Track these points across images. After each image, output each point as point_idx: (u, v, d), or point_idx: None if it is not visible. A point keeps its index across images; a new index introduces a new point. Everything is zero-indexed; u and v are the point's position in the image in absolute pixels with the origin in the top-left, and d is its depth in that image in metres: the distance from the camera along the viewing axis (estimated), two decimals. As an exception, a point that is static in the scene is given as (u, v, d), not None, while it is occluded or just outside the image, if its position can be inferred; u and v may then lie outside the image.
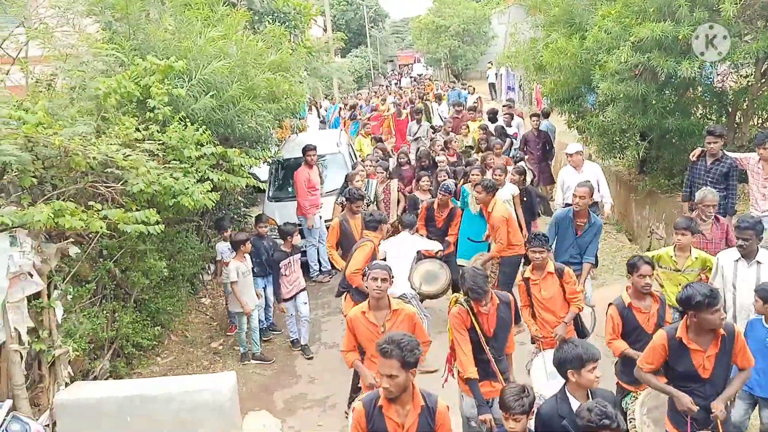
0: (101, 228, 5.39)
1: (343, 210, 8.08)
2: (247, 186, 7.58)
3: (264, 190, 10.20)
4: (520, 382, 3.92)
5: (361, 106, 19.50)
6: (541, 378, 5.00)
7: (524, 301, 5.48)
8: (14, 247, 5.27)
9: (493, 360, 4.44)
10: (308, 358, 7.24)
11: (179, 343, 7.43)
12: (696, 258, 5.55)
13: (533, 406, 3.65)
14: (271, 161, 9.80)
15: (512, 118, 13.38)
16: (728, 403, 4.07)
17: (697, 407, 3.88)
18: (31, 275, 5.41)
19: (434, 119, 16.32)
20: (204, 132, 6.52)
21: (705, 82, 9.45)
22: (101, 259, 6.32)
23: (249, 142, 8.59)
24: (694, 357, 3.91)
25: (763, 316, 4.71)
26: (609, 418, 3.09)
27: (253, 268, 7.34)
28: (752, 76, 8.93)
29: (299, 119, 11.61)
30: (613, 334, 4.78)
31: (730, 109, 9.31)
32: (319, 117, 19.81)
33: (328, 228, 8.01)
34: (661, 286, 5.78)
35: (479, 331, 4.38)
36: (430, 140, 12.17)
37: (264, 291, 7.71)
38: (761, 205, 6.62)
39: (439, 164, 9.75)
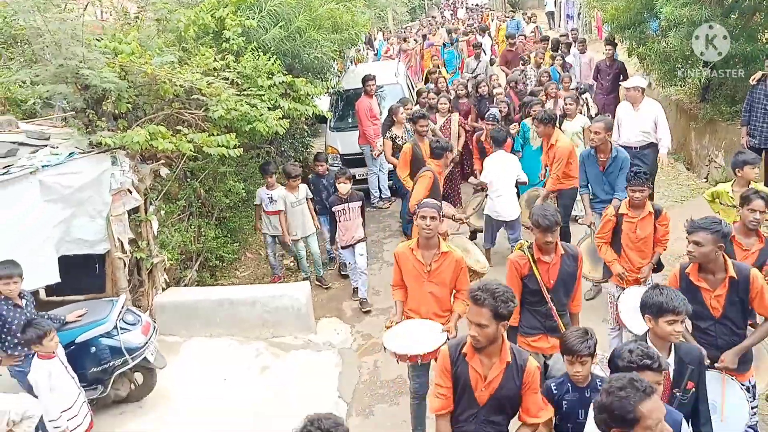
0: (189, 150, 6.04)
1: (394, 146, 8.50)
2: (310, 116, 8.07)
3: (326, 120, 10.66)
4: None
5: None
6: (633, 314, 4.52)
7: (606, 238, 5.33)
8: (115, 167, 5.95)
9: (555, 311, 4.26)
10: (365, 312, 6.95)
11: (254, 260, 8.15)
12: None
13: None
14: (332, 92, 10.21)
15: (571, 48, 13.18)
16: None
17: (708, 361, 3.73)
18: (131, 192, 6.12)
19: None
20: (275, 62, 7.00)
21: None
22: (188, 180, 6.99)
23: (313, 72, 9.01)
24: (704, 294, 3.89)
25: None
26: (650, 358, 2.94)
27: (315, 207, 7.54)
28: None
29: (358, 51, 11.90)
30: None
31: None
32: (373, 50, 19.95)
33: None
34: None
35: (539, 280, 4.22)
36: (489, 77, 11.86)
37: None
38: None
39: (496, 96, 9.74)
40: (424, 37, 19.82)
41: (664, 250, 5.34)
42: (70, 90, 5.75)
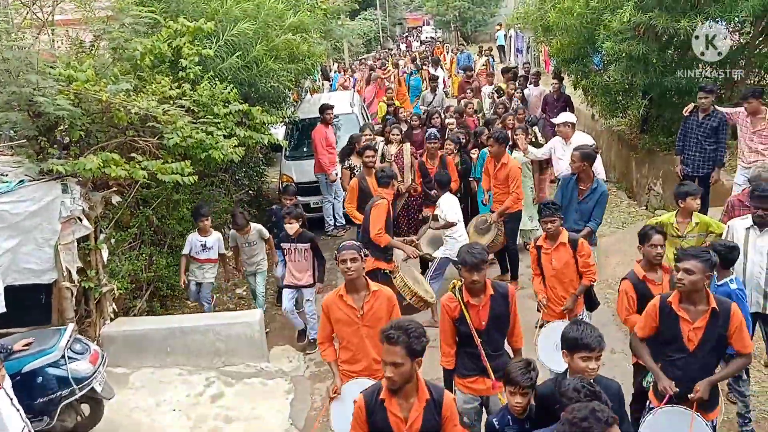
0: (143, 177, 6.06)
1: (351, 175, 8.42)
2: (265, 145, 8.15)
3: (281, 149, 10.77)
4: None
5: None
6: (549, 349, 4.78)
7: (534, 270, 5.42)
8: (65, 194, 5.91)
9: (483, 354, 4.16)
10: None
11: (206, 289, 8.10)
12: (697, 223, 5.59)
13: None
14: (287, 121, 10.35)
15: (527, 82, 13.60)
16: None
17: (676, 389, 3.81)
18: (81, 220, 6.07)
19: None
20: (231, 90, 7.10)
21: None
22: (140, 208, 6.96)
23: (269, 101, 9.13)
24: (682, 325, 3.84)
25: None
26: (596, 397, 2.91)
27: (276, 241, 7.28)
28: (750, 35, 9.39)
29: (313, 81, 12.09)
30: (629, 310, 4.55)
31: (728, 68, 9.75)
32: (328, 81, 20.23)
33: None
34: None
35: (470, 323, 4.13)
36: (445, 109, 11.91)
37: None
38: (747, 157, 7.12)
39: (448, 126, 9.94)
40: (375, 69, 20.36)
41: (591, 282, 5.27)
42: (22, 117, 5.72)
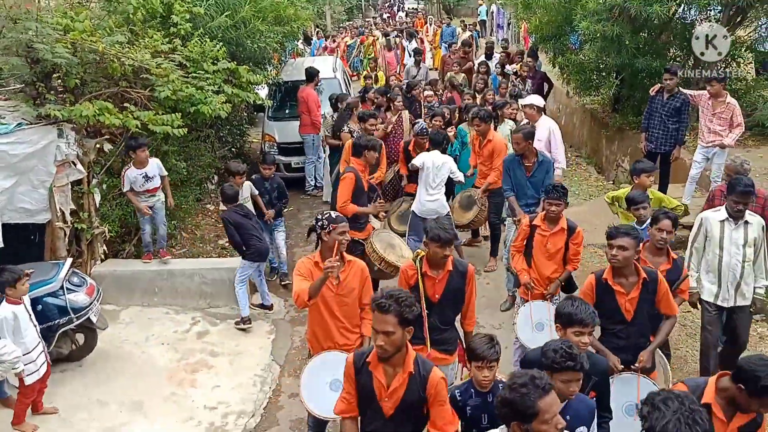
0: (135, 126, 6.42)
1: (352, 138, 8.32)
2: (248, 105, 8.47)
3: (263, 110, 11.11)
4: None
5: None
6: (526, 328, 4.99)
7: (519, 247, 5.47)
8: (61, 139, 6.25)
9: (426, 325, 4.29)
10: (284, 285, 7.40)
11: (190, 239, 8.50)
12: (652, 199, 5.83)
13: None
14: (270, 82, 10.68)
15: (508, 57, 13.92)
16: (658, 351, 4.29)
17: (621, 367, 4.08)
18: (75, 164, 6.43)
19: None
20: (220, 49, 7.45)
21: (680, 25, 10.37)
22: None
23: (254, 62, 9.46)
24: (618, 298, 4.16)
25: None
26: (573, 359, 3.07)
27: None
28: (720, 22, 9.96)
29: (297, 45, 12.39)
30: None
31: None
32: (309, 45, 20.42)
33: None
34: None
35: (422, 293, 4.25)
36: (428, 82, 11.64)
37: (273, 235, 7.45)
38: (707, 137, 7.70)
39: (426, 99, 9.96)
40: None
41: (575, 269, 5.40)
42: (20, 63, 6.02)
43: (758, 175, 8.34)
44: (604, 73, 11.08)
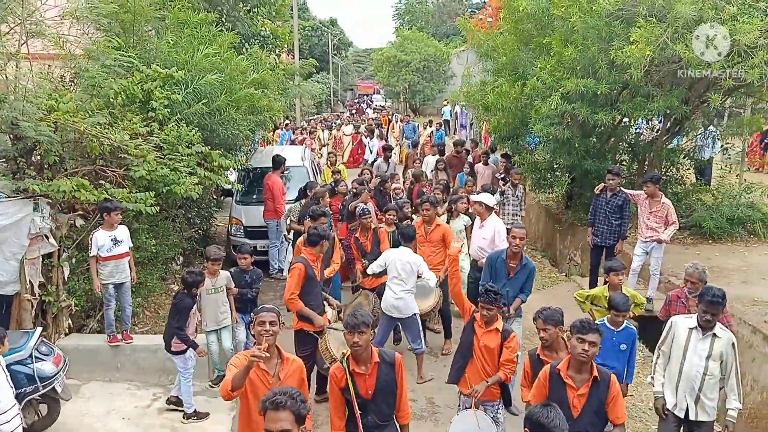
0: (99, 203, 6.78)
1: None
2: (217, 189, 8.89)
3: (231, 194, 11.61)
4: None
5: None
6: None
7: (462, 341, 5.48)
8: (36, 213, 6.58)
9: (362, 426, 4.24)
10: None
11: (152, 318, 8.68)
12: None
13: None
14: (240, 168, 11.24)
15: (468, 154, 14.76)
16: None
17: None
18: (48, 237, 6.72)
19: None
20: (195, 133, 8.00)
21: (625, 132, 11.42)
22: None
23: (226, 147, 10.03)
24: (568, 392, 4.20)
25: (606, 319, 5.59)
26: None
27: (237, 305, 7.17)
28: (659, 131, 11.05)
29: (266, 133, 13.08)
30: (526, 382, 4.93)
31: (640, 157, 11.36)
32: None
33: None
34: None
35: (352, 393, 4.20)
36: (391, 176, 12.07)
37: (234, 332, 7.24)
38: (645, 233, 8.44)
39: (394, 191, 10.63)
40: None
41: (506, 378, 5.23)
42: (3, 139, 6.43)
43: (697, 271, 9.09)
44: (557, 173, 11.98)
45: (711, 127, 11.65)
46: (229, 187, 10.83)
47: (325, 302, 6.69)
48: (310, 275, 6.26)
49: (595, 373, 4.21)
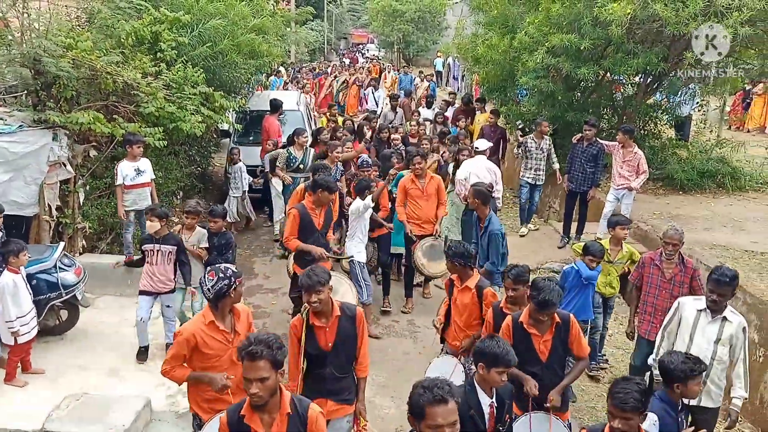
0: (121, 136, 7.48)
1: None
2: (216, 130, 9.47)
3: (228, 136, 12.26)
4: None
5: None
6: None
7: (445, 301, 5.60)
8: (55, 142, 7.26)
9: (321, 377, 4.31)
10: None
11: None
12: (626, 251, 6.57)
13: None
14: (238, 111, 11.85)
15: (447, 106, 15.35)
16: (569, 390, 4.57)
17: (538, 392, 4.30)
18: (65, 165, 7.42)
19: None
20: (200, 75, 8.63)
21: (608, 86, 12.07)
22: (113, 163, 8.31)
23: (226, 89, 10.63)
24: (534, 341, 4.41)
25: (581, 263, 6.05)
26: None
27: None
28: (639, 87, 11.73)
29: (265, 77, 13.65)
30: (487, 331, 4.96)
31: (620, 111, 12.06)
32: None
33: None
34: None
35: (303, 345, 4.25)
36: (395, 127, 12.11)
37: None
38: (618, 180, 9.23)
39: (393, 142, 10.61)
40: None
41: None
42: (26, 73, 7.06)
43: (664, 217, 9.92)
44: (539, 123, 12.64)
45: (691, 85, 12.32)
46: (227, 128, 11.50)
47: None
48: (305, 220, 6.38)
49: (557, 318, 4.41)
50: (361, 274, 7.10)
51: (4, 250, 5.58)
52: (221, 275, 4.03)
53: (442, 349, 5.66)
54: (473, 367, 5.09)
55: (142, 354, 6.41)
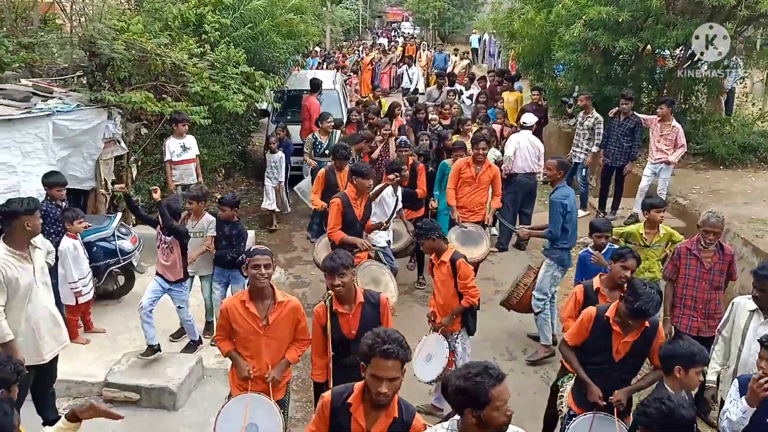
0: (170, 114, 8.05)
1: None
2: (256, 109, 9.92)
3: (267, 115, 12.81)
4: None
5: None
6: (419, 360, 5.38)
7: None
8: (110, 120, 7.87)
9: (344, 365, 4.30)
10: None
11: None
12: (663, 234, 6.28)
13: None
14: (276, 90, 12.37)
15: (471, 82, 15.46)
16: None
17: (603, 402, 4.19)
18: (119, 142, 8.03)
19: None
20: (241, 55, 9.14)
21: (650, 59, 12.17)
22: (162, 140, 8.93)
23: (265, 69, 11.14)
24: (615, 339, 4.19)
25: (589, 247, 6.15)
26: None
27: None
28: (678, 59, 11.83)
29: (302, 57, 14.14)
30: (571, 312, 4.89)
31: (660, 85, 12.18)
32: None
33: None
34: None
35: (329, 333, 4.28)
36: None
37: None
38: (655, 154, 9.42)
39: (430, 121, 10.74)
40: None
41: (469, 304, 5.42)
42: (82, 55, 7.67)
43: (702, 192, 10.12)
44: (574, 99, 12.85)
45: (734, 57, 12.34)
46: (266, 107, 12.03)
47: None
48: (346, 210, 6.45)
49: (646, 323, 4.17)
50: (383, 251, 7.16)
51: (65, 215, 6.20)
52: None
53: (430, 328, 5.68)
54: (456, 344, 5.53)
55: (149, 351, 6.03)
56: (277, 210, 10.34)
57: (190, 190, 6.86)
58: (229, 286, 6.60)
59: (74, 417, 3.03)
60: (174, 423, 5.68)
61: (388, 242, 7.46)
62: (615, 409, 4.21)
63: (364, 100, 15.11)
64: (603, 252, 5.98)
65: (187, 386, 5.92)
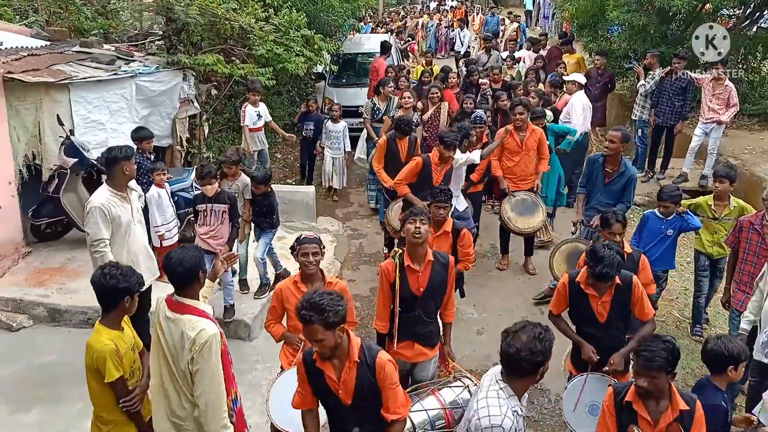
0: (240, 75, 8.79)
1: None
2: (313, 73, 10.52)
3: (323, 79, 13.47)
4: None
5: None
6: (574, 408, 4.46)
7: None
8: (185, 82, 8.66)
9: (412, 320, 4.55)
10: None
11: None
12: (734, 206, 6.15)
13: None
14: (332, 53, 13.01)
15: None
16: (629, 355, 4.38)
17: (597, 357, 4.42)
18: (193, 102, 8.84)
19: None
20: (302, 18, 9.80)
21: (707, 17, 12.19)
22: (231, 101, 9.73)
23: (324, 33, 11.79)
24: (592, 301, 4.42)
25: (656, 210, 6.09)
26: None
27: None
28: (738, 18, 11.90)
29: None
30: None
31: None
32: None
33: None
34: (697, 233, 6.45)
35: (397, 290, 4.46)
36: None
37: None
38: (707, 114, 9.64)
39: (481, 86, 10.91)
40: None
41: (465, 269, 5.69)
42: (161, 20, 8.45)
43: (755, 153, 10.35)
44: (631, 60, 13.06)
45: (795, 16, 12.31)
46: (322, 70, 12.65)
47: None
48: (425, 171, 6.69)
49: (617, 280, 4.37)
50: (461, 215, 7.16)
51: (153, 165, 7.00)
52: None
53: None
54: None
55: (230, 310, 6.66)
56: (336, 187, 10.47)
57: (226, 154, 7.25)
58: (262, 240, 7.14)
59: (213, 276, 4.23)
60: (249, 351, 6.51)
61: (467, 208, 7.47)
62: (609, 371, 4.40)
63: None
64: (669, 219, 6.01)
65: (260, 320, 6.72)
